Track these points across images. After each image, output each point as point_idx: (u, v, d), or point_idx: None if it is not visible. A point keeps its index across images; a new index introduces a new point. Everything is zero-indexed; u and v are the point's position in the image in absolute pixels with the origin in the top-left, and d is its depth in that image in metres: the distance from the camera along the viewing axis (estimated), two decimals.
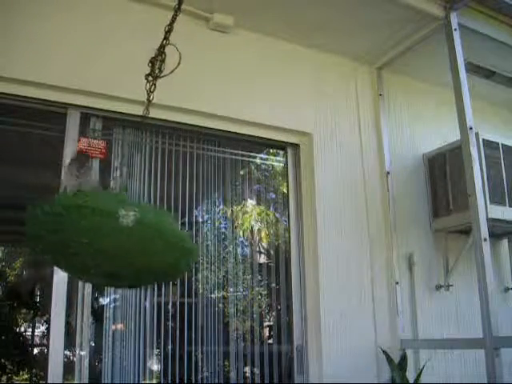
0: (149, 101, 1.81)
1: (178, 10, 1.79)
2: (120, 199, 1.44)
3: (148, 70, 1.81)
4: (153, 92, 1.81)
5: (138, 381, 2.58)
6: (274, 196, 3.55)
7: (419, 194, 3.53)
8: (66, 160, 1.67)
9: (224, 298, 3.12)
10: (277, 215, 3.49)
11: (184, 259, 1.47)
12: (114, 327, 2.62)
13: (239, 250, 3.31)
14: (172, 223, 1.45)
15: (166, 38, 1.77)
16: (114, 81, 2.65)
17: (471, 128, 2.82)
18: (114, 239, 1.36)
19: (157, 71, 1.78)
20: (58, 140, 2.58)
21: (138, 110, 2.71)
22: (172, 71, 1.81)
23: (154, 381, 2.87)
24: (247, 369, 3.06)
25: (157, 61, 1.78)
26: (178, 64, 1.80)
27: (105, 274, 1.47)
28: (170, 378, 2.70)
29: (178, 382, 2.74)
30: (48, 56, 2.51)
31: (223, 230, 3.37)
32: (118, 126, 2.78)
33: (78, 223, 1.33)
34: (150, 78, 1.81)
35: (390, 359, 2.95)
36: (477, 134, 3.04)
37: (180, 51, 1.78)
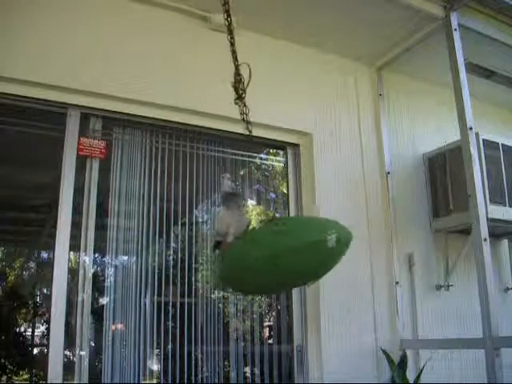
0: (247, 122, 1.95)
1: (231, 33, 1.93)
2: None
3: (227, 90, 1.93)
4: (248, 114, 1.94)
5: (138, 381, 2.58)
6: (273, 196, 3.55)
7: (419, 194, 3.53)
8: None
9: (224, 298, 3.12)
10: (277, 215, 3.49)
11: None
12: (113, 327, 2.61)
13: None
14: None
15: (235, 59, 1.91)
16: (114, 81, 2.65)
17: (471, 128, 2.82)
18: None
19: (240, 92, 1.83)
20: (58, 140, 2.58)
21: (138, 110, 2.75)
22: (247, 86, 1.93)
23: (154, 381, 2.87)
24: (247, 369, 3.06)
25: (239, 83, 1.89)
26: (249, 79, 1.93)
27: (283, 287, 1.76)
28: (169, 378, 2.69)
29: (177, 382, 2.73)
30: (48, 56, 2.51)
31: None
32: (118, 125, 2.78)
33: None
34: (241, 103, 1.93)
35: (390, 359, 2.95)
36: (477, 134, 3.03)
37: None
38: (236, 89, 1.87)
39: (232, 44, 1.88)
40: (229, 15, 1.88)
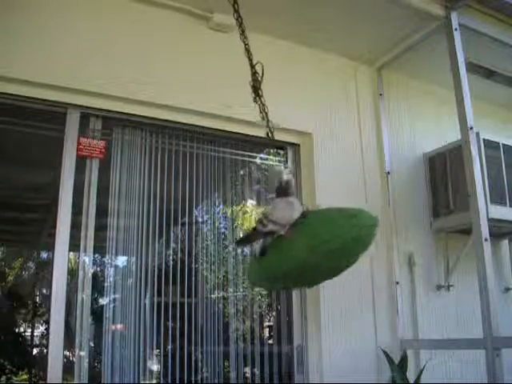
0: (268, 120, 1.92)
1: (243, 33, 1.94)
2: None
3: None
4: (267, 112, 1.93)
5: (138, 381, 2.57)
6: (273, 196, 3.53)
7: (419, 193, 3.52)
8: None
9: (224, 298, 3.12)
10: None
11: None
12: (113, 327, 2.61)
13: (239, 250, 3.31)
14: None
15: (250, 60, 1.93)
16: (114, 81, 2.64)
17: (472, 128, 2.81)
18: None
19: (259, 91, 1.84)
20: (57, 140, 2.58)
21: (138, 110, 2.75)
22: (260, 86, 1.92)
23: (154, 381, 2.87)
24: (247, 369, 3.05)
25: (258, 83, 1.90)
26: (262, 78, 1.94)
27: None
28: (169, 379, 2.69)
29: (177, 382, 2.73)
30: (48, 56, 2.50)
31: (223, 230, 3.37)
32: (118, 125, 2.78)
33: None
34: (259, 102, 1.93)
35: (390, 359, 2.94)
36: (477, 134, 3.03)
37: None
38: (255, 88, 1.85)
39: (246, 44, 1.87)
40: (239, 15, 1.87)
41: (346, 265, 1.54)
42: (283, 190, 1.64)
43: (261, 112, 1.88)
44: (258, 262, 1.57)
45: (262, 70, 1.88)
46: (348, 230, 1.57)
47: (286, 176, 1.67)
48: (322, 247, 1.46)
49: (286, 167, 1.83)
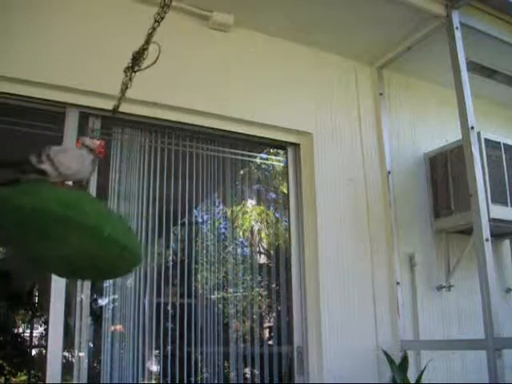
0: (122, 94, 1.76)
1: (167, 6, 1.74)
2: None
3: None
4: (129, 87, 1.78)
5: (137, 382, 2.56)
6: (274, 196, 3.53)
7: (420, 193, 3.51)
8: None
9: (224, 298, 3.11)
10: (277, 215, 3.48)
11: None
12: (112, 328, 2.60)
13: (239, 250, 3.30)
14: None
15: (151, 36, 1.73)
16: (113, 80, 2.62)
17: (473, 127, 2.80)
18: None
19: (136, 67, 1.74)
20: (57, 139, 2.56)
21: (138, 110, 2.73)
22: (150, 66, 1.77)
23: (154, 381, 2.86)
24: (247, 370, 3.04)
25: (140, 56, 1.73)
26: (157, 58, 1.76)
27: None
28: (169, 379, 2.68)
29: (177, 382, 2.72)
30: (47, 55, 2.50)
31: (223, 230, 3.36)
32: (117, 125, 2.77)
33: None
34: (129, 74, 1.81)
35: (390, 360, 2.93)
36: (478, 134, 3.02)
37: (164, 48, 1.74)
38: (134, 60, 1.78)
39: (157, 20, 1.78)
40: None
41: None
42: (90, 148, 1.51)
43: (123, 84, 1.78)
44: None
45: (159, 53, 1.79)
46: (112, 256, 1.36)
47: (91, 141, 1.56)
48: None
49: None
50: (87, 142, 1.51)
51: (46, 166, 1.35)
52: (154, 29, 1.75)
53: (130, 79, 1.77)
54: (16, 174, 1.33)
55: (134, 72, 1.77)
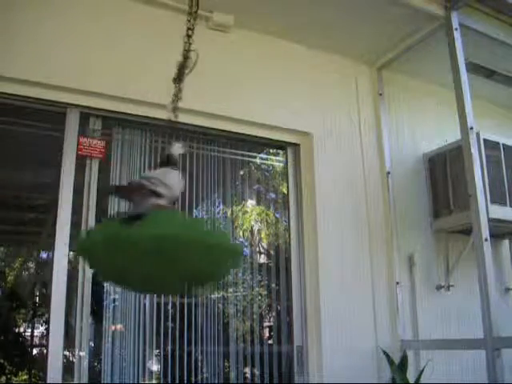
0: (176, 106, 1.84)
1: (195, 13, 1.78)
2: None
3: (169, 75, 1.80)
4: (179, 99, 1.85)
5: (138, 381, 2.57)
6: (274, 196, 3.54)
7: (420, 193, 3.52)
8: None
9: (224, 298, 3.11)
10: (277, 215, 3.48)
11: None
12: (113, 327, 2.61)
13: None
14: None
15: (189, 44, 1.83)
16: (114, 80, 2.64)
17: (472, 128, 2.81)
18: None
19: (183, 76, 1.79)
20: (57, 140, 2.57)
21: (138, 110, 2.74)
22: (190, 71, 1.80)
23: (154, 381, 2.86)
24: (247, 369, 3.05)
25: (184, 66, 1.81)
26: (194, 65, 1.81)
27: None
28: (169, 379, 2.68)
29: (177, 382, 2.73)
30: (48, 56, 2.50)
31: (223, 230, 3.36)
32: (118, 125, 2.78)
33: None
34: (178, 85, 1.85)
35: (390, 360, 2.94)
36: (477, 134, 3.03)
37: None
38: (180, 71, 1.82)
39: (190, 28, 1.82)
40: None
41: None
42: (175, 162, 1.55)
43: (174, 95, 1.82)
44: (119, 226, 1.33)
45: (196, 59, 1.83)
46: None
47: (182, 149, 1.60)
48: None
49: (178, 143, 1.75)
50: (177, 151, 1.59)
51: (162, 189, 1.41)
52: (189, 36, 1.79)
53: (180, 90, 1.85)
54: (135, 200, 1.41)
55: (182, 81, 1.84)
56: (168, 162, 1.55)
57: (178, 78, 1.79)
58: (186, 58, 1.77)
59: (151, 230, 1.28)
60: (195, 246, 1.31)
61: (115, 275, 1.49)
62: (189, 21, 1.83)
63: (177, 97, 1.82)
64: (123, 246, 1.29)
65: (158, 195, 1.39)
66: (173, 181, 1.47)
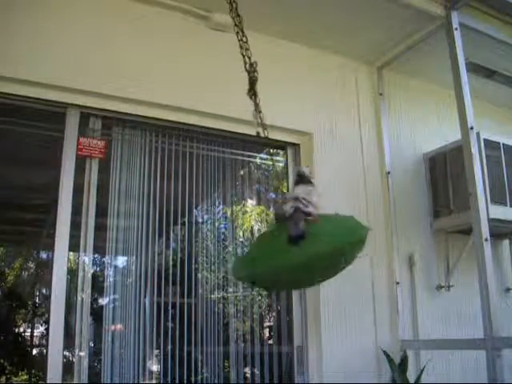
0: (261, 118, 1.90)
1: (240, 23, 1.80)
2: None
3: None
4: (261, 111, 1.89)
5: (138, 381, 2.57)
6: (274, 196, 3.54)
7: (420, 193, 3.52)
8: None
9: (224, 298, 3.11)
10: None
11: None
12: (113, 328, 2.61)
13: (239, 250, 3.30)
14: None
15: (249, 58, 1.88)
16: (114, 80, 2.64)
17: (472, 128, 2.81)
18: None
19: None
20: (57, 140, 2.57)
21: (138, 110, 2.74)
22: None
23: (154, 381, 2.86)
24: (247, 369, 3.05)
25: (254, 78, 1.87)
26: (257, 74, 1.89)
27: None
28: (169, 379, 2.69)
29: (177, 382, 2.73)
30: (48, 55, 2.50)
31: (223, 230, 3.36)
32: (118, 125, 2.78)
33: None
34: (254, 99, 1.89)
35: (390, 360, 2.94)
36: (477, 134, 3.02)
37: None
38: (252, 85, 1.88)
39: (244, 41, 1.85)
40: (237, 13, 1.86)
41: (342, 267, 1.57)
42: (310, 180, 1.63)
43: (255, 110, 1.84)
44: (288, 247, 1.39)
45: (256, 71, 1.85)
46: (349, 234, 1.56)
47: (307, 169, 1.66)
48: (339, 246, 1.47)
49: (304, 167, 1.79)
50: (306, 172, 1.62)
51: (311, 209, 1.51)
52: (244, 49, 1.87)
53: (258, 103, 1.89)
54: (294, 224, 1.45)
55: (256, 95, 1.88)
56: (302, 179, 1.63)
57: (253, 91, 1.86)
58: (252, 71, 1.79)
59: (321, 245, 1.42)
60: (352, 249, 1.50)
61: (268, 284, 1.61)
62: (237, 33, 1.89)
63: (257, 109, 1.88)
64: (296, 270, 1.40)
65: (308, 215, 1.50)
66: (315, 198, 1.57)
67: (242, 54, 1.81)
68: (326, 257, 1.42)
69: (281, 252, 1.40)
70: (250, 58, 1.81)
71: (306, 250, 1.37)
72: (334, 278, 1.55)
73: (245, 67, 1.81)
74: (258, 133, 1.82)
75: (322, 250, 1.40)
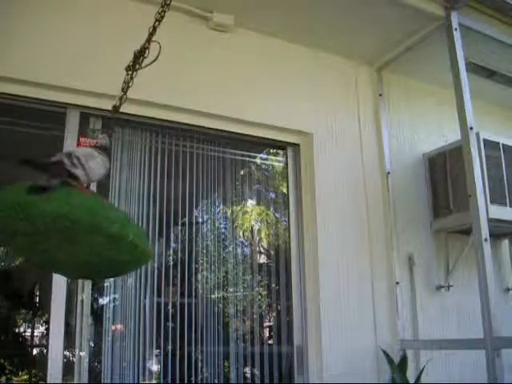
0: (124, 93, 1.79)
1: (166, 4, 1.76)
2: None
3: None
4: (130, 86, 1.79)
5: (138, 381, 2.57)
6: (274, 196, 3.54)
7: (419, 194, 3.52)
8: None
9: (224, 298, 3.11)
10: (277, 215, 3.48)
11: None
12: (113, 327, 2.61)
13: (239, 250, 3.31)
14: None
15: (151, 35, 1.74)
16: (114, 80, 2.63)
17: (471, 128, 2.81)
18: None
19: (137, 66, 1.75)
20: (57, 140, 2.57)
21: (138, 110, 2.74)
22: (150, 64, 1.78)
23: (154, 381, 2.86)
24: (247, 369, 3.05)
25: (142, 55, 1.74)
26: (157, 56, 1.78)
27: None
28: (169, 379, 2.69)
29: (177, 382, 2.73)
30: (47, 56, 2.50)
31: (223, 230, 3.36)
32: (118, 125, 2.77)
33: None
34: (130, 73, 1.80)
35: (390, 360, 2.94)
36: (477, 134, 3.03)
37: (164, 48, 1.76)
38: (136, 57, 1.79)
39: (158, 20, 1.81)
40: None
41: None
42: (105, 147, 1.51)
43: (124, 83, 1.79)
44: (24, 193, 1.29)
45: (159, 52, 1.81)
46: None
47: (105, 138, 1.57)
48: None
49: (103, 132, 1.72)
50: (103, 141, 1.54)
51: (78, 172, 1.34)
52: (154, 28, 1.76)
53: (132, 78, 1.76)
54: (48, 177, 1.32)
55: (136, 71, 1.76)
56: (101, 149, 1.51)
57: (132, 67, 1.75)
58: (144, 48, 1.74)
59: (54, 206, 1.23)
60: (96, 233, 1.27)
61: (16, 245, 1.45)
62: (159, 13, 1.80)
63: (127, 85, 1.78)
64: (23, 213, 1.25)
65: (73, 177, 1.33)
66: (94, 165, 1.40)
67: (151, 32, 1.75)
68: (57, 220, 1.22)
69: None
70: (152, 35, 1.75)
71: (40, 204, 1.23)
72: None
73: (146, 42, 1.76)
74: (115, 106, 1.74)
75: (57, 211, 1.22)
